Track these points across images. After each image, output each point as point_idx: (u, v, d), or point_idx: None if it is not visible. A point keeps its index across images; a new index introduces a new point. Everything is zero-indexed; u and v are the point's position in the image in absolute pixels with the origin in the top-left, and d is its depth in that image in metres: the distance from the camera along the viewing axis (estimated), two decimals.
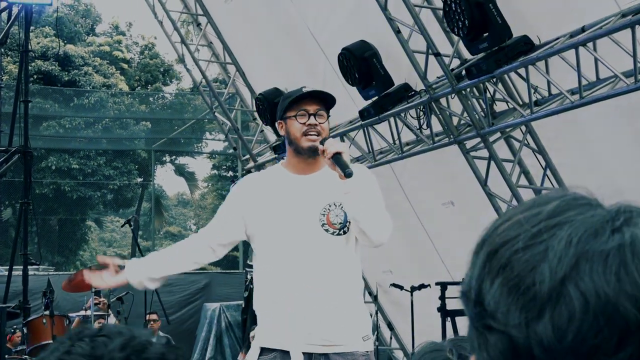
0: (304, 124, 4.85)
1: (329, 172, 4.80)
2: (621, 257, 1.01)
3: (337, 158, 4.59)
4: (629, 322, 0.98)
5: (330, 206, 4.82)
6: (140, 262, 5.00)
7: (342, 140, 10.41)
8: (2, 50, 15.71)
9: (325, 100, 4.99)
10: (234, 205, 5.03)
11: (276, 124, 5.24)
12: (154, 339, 1.67)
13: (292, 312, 4.73)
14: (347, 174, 4.52)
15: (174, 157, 38.99)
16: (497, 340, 1.04)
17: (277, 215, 4.83)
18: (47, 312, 9.79)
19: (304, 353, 4.74)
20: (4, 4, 14.28)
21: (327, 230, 4.78)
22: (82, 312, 11.34)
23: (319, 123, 4.86)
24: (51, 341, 9.52)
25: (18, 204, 14.76)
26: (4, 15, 14.80)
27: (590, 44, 6.91)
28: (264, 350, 4.83)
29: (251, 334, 13.85)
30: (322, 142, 4.73)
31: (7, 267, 14.27)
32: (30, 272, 14.06)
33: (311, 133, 4.82)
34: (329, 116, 4.99)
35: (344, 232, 4.83)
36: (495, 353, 1.04)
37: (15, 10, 14.30)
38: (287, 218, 4.80)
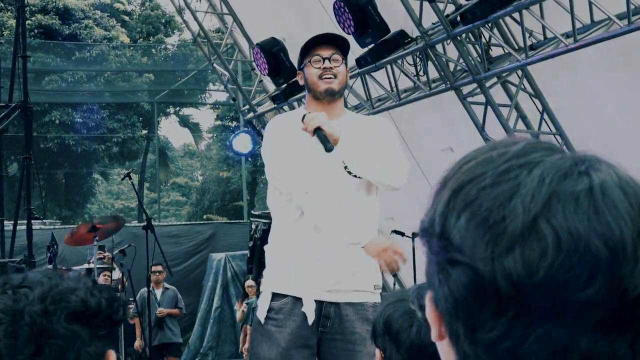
0: (320, 68, 4.86)
1: (349, 117, 4.94)
2: (592, 198, 1.03)
3: (318, 134, 4.61)
4: (599, 260, 1.00)
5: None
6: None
7: None
8: (3, 4, 15.67)
9: (340, 44, 4.99)
10: (280, 139, 4.95)
11: (297, 76, 5.22)
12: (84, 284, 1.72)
13: (310, 255, 4.73)
14: (328, 149, 4.56)
15: (177, 108, 38.97)
16: (460, 274, 1.04)
17: (304, 157, 4.82)
18: (50, 266, 9.87)
19: (315, 301, 4.76)
20: None
21: (350, 173, 4.79)
22: (87, 266, 11.43)
23: (335, 66, 4.86)
24: None
25: (20, 159, 14.81)
26: None
27: None
28: (275, 296, 4.84)
29: (247, 283, 13.92)
30: (302, 119, 4.74)
31: (13, 222, 14.36)
32: (36, 227, 14.14)
33: (326, 76, 4.83)
34: (345, 60, 4.97)
35: None
36: (457, 287, 1.05)
37: None
38: (313, 160, 4.79)
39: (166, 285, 12.84)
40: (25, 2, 14.63)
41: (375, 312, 2.75)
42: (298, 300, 4.78)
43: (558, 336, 1.02)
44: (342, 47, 4.98)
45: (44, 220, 17.52)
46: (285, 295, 4.82)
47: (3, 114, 13.94)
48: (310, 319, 4.73)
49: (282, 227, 5.01)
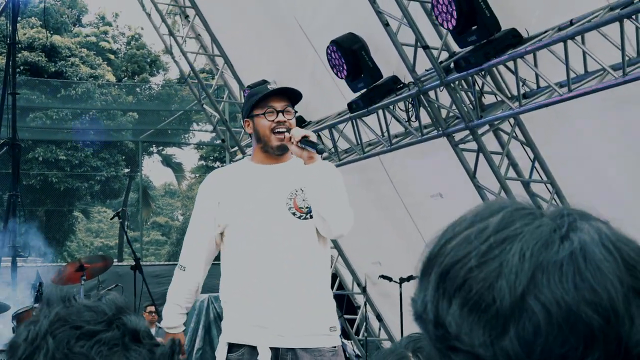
0: (272, 121, 4.86)
1: (295, 162, 4.91)
2: (574, 264, 1.03)
3: (305, 141, 4.63)
4: (593, 328, 1.00)
5: (296, 191, 4.88)
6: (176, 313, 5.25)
7: (331, 134, 10.43)
8: None
9: (292, 96, 5.00)
10: (204, 200, 5.15)
11: (242, 122, 5.23)
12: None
13: (261, 301, 4.76)
14: (320, 150, 4.62)
15: (161, 147, 38.93)
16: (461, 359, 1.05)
17: (246, 203, 4.87)
18: (36, 305, 9.77)
19: (271, 348, 4.74)
20: None
21: (294, 214, 4.80)
22: None
23: (287, 119, 4.88)
24: None
25: (5, 195, 14.73)
26: None
27: (578, 38, 6.93)
28: (232, 346, 4.84)
29: None
30: (287, 131, 4.77)
31: None
32: (18, 264, 14.04)
33: (280, 130, 4.84)
34: (295, 112, 5.04)
35: (311, 217, 4.85)
36: None
37: (2, 1, 14.26)
38: (255, 205, 4.85)
39: (158, 324, 12.75)
40: (18, 40, 14.63)
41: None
42: (254, 349, 4.75)
43: None
44: (294, 99, 5.01)
45: (26, 258, 17.42)
46: (242, 345, 4.80)
47: None
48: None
49: (229, 276, 5.00)
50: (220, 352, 4.86)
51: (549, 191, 8.40)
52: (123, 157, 33.26)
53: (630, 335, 1.01)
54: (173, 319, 5.25)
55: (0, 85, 15.13)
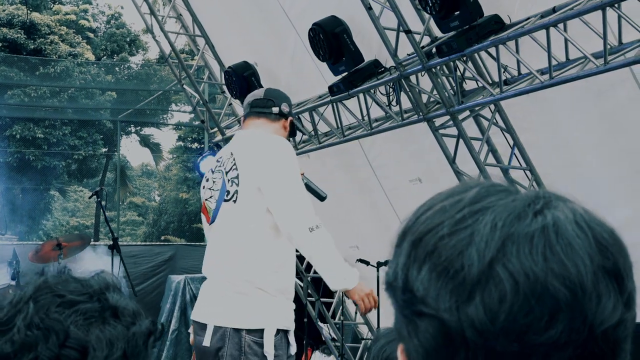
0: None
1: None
2: (546, 238, 1.04)
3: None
4: (559, 301, 1.01)
5: None
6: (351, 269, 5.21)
7: (311, 116, 10.43)
8: None
9: None
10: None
11: (287, 114, 5.59)
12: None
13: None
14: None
15: (139, 127, 38.85)
16: (427, 325, 1.06)
17: None
18: (13, 282, 9.78)
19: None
20: None
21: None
22: None
23: None
24: None
25: None
26: None
27: (560, 25, 6.94)
28: (277, 332, 5.02)
29: None
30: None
31: None
32: None
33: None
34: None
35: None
36: (426, 338, 1.06)
37: None
38: None
39: None
40: None
41: (372, 348, 2.77)
42: (286, 333, 5.07)
43: None
44: None
45: (2, 235, 17.38)
46: (280, 330, 4.96)
47: None
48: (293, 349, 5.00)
49: (288, 264, 5.05)
50: (269, 337, 4.92)
51: (528, 178, 8.45)
52: (101, 136, 33.17)
53: (596, 313, 1.02)
54: (353, 274, 5.17)
55: None
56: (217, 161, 5.34)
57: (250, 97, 5.67)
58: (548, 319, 1.01)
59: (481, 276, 1.02)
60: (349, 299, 12.49)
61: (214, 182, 5.26)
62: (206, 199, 5.28)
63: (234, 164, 5.13)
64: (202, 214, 5.42)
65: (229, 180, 5.10)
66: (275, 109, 5.50)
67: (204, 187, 5.41)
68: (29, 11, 30.42)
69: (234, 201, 5.05)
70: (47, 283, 1.58)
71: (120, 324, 1.59)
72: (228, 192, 5.08)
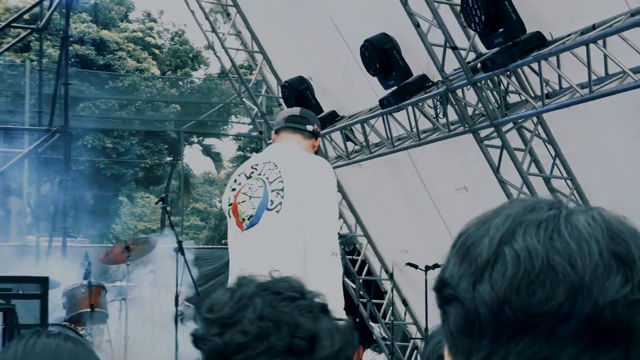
0: None
1: None
2: (555, 223, 1.07)
3: None
4: (558, 273, 1.03)
5: None
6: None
7: (363, 128, 10.44)
8: (43, 35, 15.80)
9: None
10: None
11: (317, 133, 5.62)
12: None
13: None
14: None
15: (201, 138, 39.07)
16: (453, 310, 1.09)
17: None
18: (85, 282, 9.87)
19: None
20: None
21: None
22: (118, 283, 11.44)
23: None
24: (89, 309, 9.61)
25: (56, 180, 14.87)
26: (46, 2, 14.88)
27: (600, 41, 6.90)
28: None
29: None
30: None
31: (48, 239, 14.42)
32: (68, 244, 14.20)
33: None
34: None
35: None
36: (452, 322, 1.10)
37: None
38: None
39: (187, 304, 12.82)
40: (69, 34, 14.74)
41: (427, 345, 2.76)
42: None
43: (535, 350, 1.04)
44: None
45: (74, 238, 17.58)
46: None
47: (44, 137, 14.05)
48: None
49: (300, 267, 5.02)
50: None
51: (569, 187, 8.38)
52: (166, 146, 33.41)
53: (601, 289, 1.03)
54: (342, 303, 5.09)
55: (54, 76, 15.28)
56: (253, 168, 5.26)
57: (286, 113, 5.65)
58: (550, 291, 1.02)
59: (490, 257, 1.06)
60: (398, 299, 12.49)
61: (249, 187, 5.16)
62: (240, 202, 5.17)
63: (280, 176, 5.07)
64: (231, 214, 5.25)
65: (272, 191, 5.04)
66: (309, 127, 5.49)
67: (233, 190, 5.28)
68: (99, 29, 30.76)
69: (277, 211, 5.00)
70: (261, 284, 1.66)
71: (329, 320, 1.66)
72: (272, 201, 5.03)
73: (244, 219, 5.07)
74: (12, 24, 16.89)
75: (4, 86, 27.38)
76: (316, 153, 5.58)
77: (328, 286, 4.74)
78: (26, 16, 16.32)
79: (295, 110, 5.69)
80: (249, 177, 5.20)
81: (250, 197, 5.09)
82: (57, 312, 9.73)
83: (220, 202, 47.15)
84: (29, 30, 16.94)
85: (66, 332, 1.86)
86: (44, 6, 15.00)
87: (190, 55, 35.89)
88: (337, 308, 4.91)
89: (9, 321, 7.10)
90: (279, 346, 1.57)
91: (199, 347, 1.64)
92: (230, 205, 5.21)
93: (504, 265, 1.04)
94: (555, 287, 1.02)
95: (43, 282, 7.39)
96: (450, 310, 1.10)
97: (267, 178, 5.11)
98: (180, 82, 35.13)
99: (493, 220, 1.10)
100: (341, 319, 1.71)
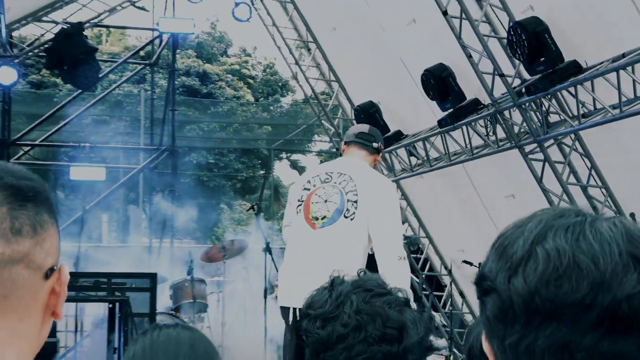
0: None
1: None
2: (581, 227, 1.08)
3: None
4: (582, 269, 1.04)
5: None
6: None
7: (424, 145, 10.40)
8: (154, 69, 16.08)
9: None
10: None
11: (380, 150, 5.50)
12: None
13: None
14: None
15: (289, 154, 39.25)
16: (490, 300, 1.11)
17: None
18: (188, 277, 9.98)
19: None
20: (156, 33, 14.62)
21: None
22: (217, 278, 11.56)
23: None
24: (191, 300, 9.73)
25: (166, 191, 15.12)
26: (157, 41, 15.15)
27: (629, 68, 6.80)
28: None
29: None
30: None
31: (158, 240, 14.68)
32: (175, 245, 14.42)
33: None
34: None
35: None
36: (491, 310, 1.11)
37: (165, 37, 14.64)
38: None
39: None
40: (175, 66, 14.99)
41: (471, 333, 2.71)
42: None
43: (561, 335, 1.05)
44: None
45: (181, 239, 17.81)
46: None
47: (155, 155, 14.31)
48: None
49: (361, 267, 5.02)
50: None
51: (603, 195, 8.25)
52: (259, 161, 33.66)
53: (620, 284, 1.03)
54: None
55: (164, 103, 15.55)
56: (327, 174, 5.17)
57: (356, 129, 5.56)
58: (575, 285, 1.04)
59: (524, 255, 1.08)
60: (456, 291, 12.40)
61: (324, 192, 5.07)
62: (313, 202, 5.05)
63: (355, 189, 5.02)
64: (301, 210, 5.11)
65: (348, 201, 4.98)
66: (375, 144, 5.40)
67: (306, 189, 5.16)
68: (202, 63, 31.17)
69: (351, 219, 4.94)
70: (355, 282, 1.69)
71: (412, 312, 1.70)
72: (348, 210, 4.96)
73: (316, 218, 5.00)
74: (130, 60, 17.24)
75: (123, 112, 27.91)
76: (375, 166, 5.53)
77: (399, 285, 4.70)
78: (141, 53, 16.61)
79: (365, 128, 5.59)
80: (323, 182, 5.12)
81: (325, 200, 5.03)
82: (164, 302, 9.86)
83: None
84: (143, 65, 17.26)
85: (181, 322, 1.90)
86: (155, 44, 15.29)
87: (279, 84, 36.07)
88: None
89: (124, 310, 7.23)
90: (374, 335, 1.61)
91: (305, 339, 1.67)
92: (301, 201, 5.12)
93: (535, 262, 1.06)
94: (579, 281, 1.04)
95: (152, 277, 7.49)
96: (488, 300, 1.11)
97: (343, 188, 5.04)
98: (271, 107, 35.34)
99: (527, 224, 1.12)
100: (422, 310, 1.73)
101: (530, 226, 1.11)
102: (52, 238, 1.18)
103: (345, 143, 5.45)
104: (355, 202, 4.96)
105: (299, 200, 5.12)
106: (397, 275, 4.68)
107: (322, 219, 4.97)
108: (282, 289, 5.14)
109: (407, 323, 1.65)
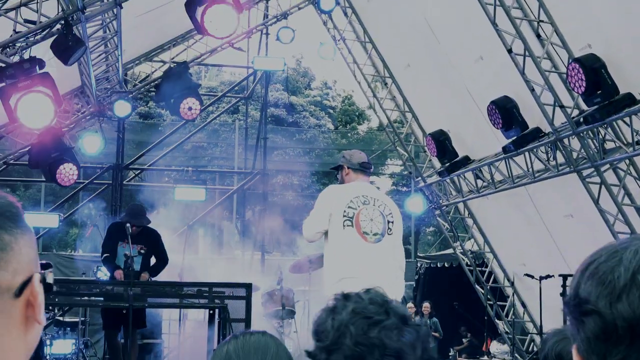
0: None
1: None
2: None
3: None
4: None
5: None
6: None
7: (490, 169, 10.35)
8: (248, 101, 16.36)
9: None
10: None
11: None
12: None
13: None
14: None
15: None
16: (591, 321, 1.11)
17: None
18: (278, 286, 10.08)
19: None
20: (250, 70, 14.92)
21: None
22: (302, 288, 11.64)
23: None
24: (281, 307, 9.82)
25: (257, 209, 15.33)
26: (250, 78, 15.44)
27: None
28: None
29: (408, 305, 13.91)
30: None
31: (251, 253, 14.87)
32: (265, 257, 14.59)
33: None
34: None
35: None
36: (590, 330, 1.11)
37: (258, 74, 14.93)
38: None
39: None
40: (267, 100, 15.24)
41: (545, 344, 2.70)
42: None
43: None
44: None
45: (271, 253, 17.99)
46: None
47: (248, 177, 14.55)
48: None
49: (395, 274, 5.57)
50: None
51: None
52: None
53: None
54: None
55: (255, 132, 15.81)
56: (364, 197, 5.51)
57: (359, 159, 5.78)
58: None
59: (627, 282, 1.08)
60: (518, 301, 12.24)
61: (367, 211, 5.44)
62: (362, 220, 5.41)
63: (391, 213, 5.51)
64: (351, 225, 5.44)
65: (388, 222, 5.46)
66: (371, 172, 5.85)
67: (351, 207, 5.46)
68: (289, 95, 31.55)
69: (390, 235, 5.47)
70: (354, 309, 1.69)
71: (412, 329, 1.67)
72: (390, 229, 5.46)
73: (367, 233, 5.38)
74: (227, 94, 17.60)
75: (219, 139, 28.39)
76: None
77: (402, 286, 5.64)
78: (236, 88, 16.92)
79: (365, 157, 5.86)
80: (364, 204, 5.45)
81: (371, 219, 5.41)
82: (256, 309, 9.98)
83: None
84: (238, 99, 17.59)
85: (267, 331, 1.98)
86: (249, 80, 15.58)
87: (357, 113, 36.19)
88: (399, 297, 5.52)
89: (223, 316, 7.36)
90: None
91: None
92: (350, 217, 5.42)
93: (639, 289, 1.07)
94: None
95: (248, 287, 7.60)
96: (589, 321, 1.11)
97: (383, 211, 5.47)
98: (349, 134, 35.47)
99: (624, 252, 1.12)
100: (419, 326, 1.71)
101: (628, 255, 1.11)
102: (19, 254, 1.10)
103: (352, 169, 5.71)
104: (392, 222, 5.50)
105: (345, 216, 5.42)
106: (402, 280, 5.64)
107: (374, 235, 5.40)
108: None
109: (403, 348, 1.62)
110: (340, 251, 5.45)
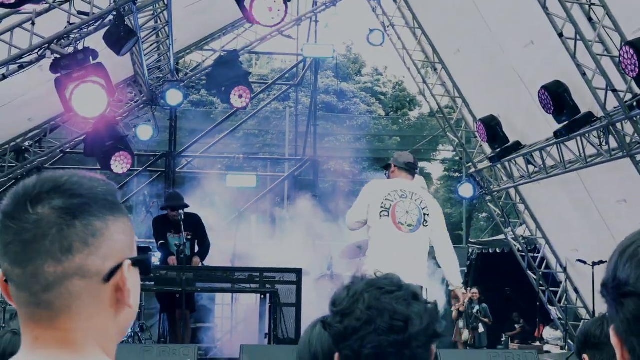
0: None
1: None
2: None
3: None
4: None
5: None
6: None
7: (541, 154, 10.25)
8: (298, 88, 16.45)
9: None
10: None
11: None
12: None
13: None
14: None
15: None
16: (630, 302, 1.13)
17: None
18: (329, 271, 10.17)
19: None
20: (300, 58, 14.99)
21: None
22: (352, 273, 11.72)
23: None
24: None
25: (307, 195, 15.40)
26: (300, 65, 15.51)
27: None
28: None
29: (472, 290, 13.85)
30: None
31: (301, 239, 14.94)
32: (316, 244, 14.65)
33: None
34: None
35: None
36: (629, 311, 1.13)
37: (308, 61, 14.98)
38: None
39: None
40: (317, 87, 15.30)
41: (583, 328, 2.76)
42: None
43: None
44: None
45: (322, 238, 18.03)
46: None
47: (299, 164, 14.64)
48: None
49: (426, 261, 6.03)
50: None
51: None
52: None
53: None
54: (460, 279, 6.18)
55: (306, 119, 15.89)
56: (402, 191, 5.95)
57: (405, 159, 6.23)
58: None
59: None
60: (571, 287, 12.12)
61: (403, 204, 5.89)
62: (398, 211, 5.84)
63: (426, 206, 5.97)
64: (387, 216, 5.84)
65: (423, 215, 5.90)
66: (417, 172, 6.36)
67: (388, 200, 5.89)
68: (339, 82, 31.56)
69: (425, 227, 5.89)
70: (368, 282, 1.79)
71: (420, 304, 1.75)
72: (426, 221, 5.90)
73: (402, 224, 5.83)
74: (277, 82, 17.70)
75: (270, 127, 28.58)
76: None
77: (454, 266, 5.99)
78: (286, 75, 17.01)
79: (411, 158, 6.35)
80: (401, 197, 5.91)
81: (407, 212, 5.87)
82: (306, 294, 10.07)
83: None
84: (288, 86, 17.68)
85: None
86: (299, 67, 15.65)
87: (408, 100, 36.03)
88: (458, 282, 6.04)
89: (274, 301, 7.48)
90: (382, 327, 1.69)
91: (328, 331, 1.79)
92: (387, 208, 5.85)
93: None
94: None
95: (298, 272, 7.70)
96: (628, 302, 1.12)
97: (419, 204, 5.94)
98: (400, 120, 35.34)
99: None
100: (430, 303, 1.80)
101: None
102: (111, 240, 1.17)
103: (398, 167, 6.18)
104: (428, 215, 5.94)
105: (382, 207, 5.87)
106: (456, 261, 6.05)
107: (409, 225, 5.86)
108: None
109: (412, 315, 1.70)
110: (377, 239, 5.90)
